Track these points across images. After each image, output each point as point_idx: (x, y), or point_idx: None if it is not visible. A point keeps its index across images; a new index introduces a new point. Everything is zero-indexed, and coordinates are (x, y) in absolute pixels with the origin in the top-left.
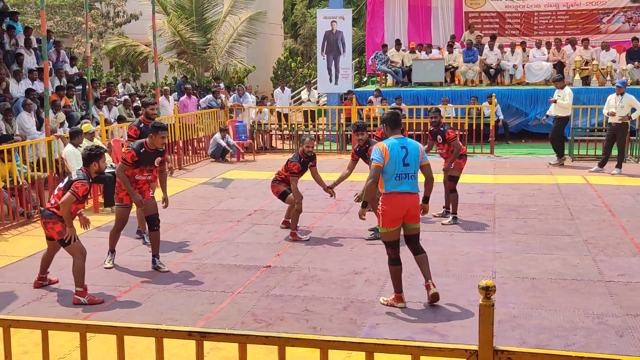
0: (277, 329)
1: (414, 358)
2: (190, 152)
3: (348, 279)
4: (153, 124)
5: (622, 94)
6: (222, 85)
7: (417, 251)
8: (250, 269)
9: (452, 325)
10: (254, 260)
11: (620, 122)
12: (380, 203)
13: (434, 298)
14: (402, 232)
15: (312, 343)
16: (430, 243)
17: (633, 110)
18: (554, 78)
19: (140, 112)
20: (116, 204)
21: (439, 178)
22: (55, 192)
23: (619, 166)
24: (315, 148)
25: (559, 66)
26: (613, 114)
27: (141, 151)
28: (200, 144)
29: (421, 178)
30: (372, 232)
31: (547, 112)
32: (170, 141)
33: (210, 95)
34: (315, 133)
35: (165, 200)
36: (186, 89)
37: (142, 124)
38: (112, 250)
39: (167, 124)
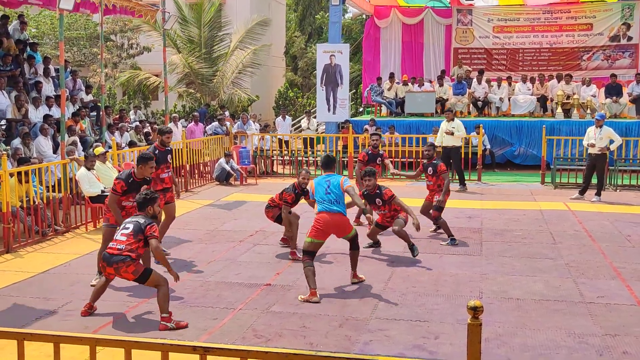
0: (276, 345)
1: None
2: (196, 175)
3: (343, 298)
4: (142, 154)
5: (601, 127)
6: (227, 113)
7: (353, 247)
8: (251, 287)
9: (441, 342)
10: (255, 278)
11: (599, 152)
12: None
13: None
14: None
15: (309, 359)
16: (422, 264)
17: (611, 141)
18: (446, 110)
19: (156, 138)
20: (103, 224)
21: (418, 202)
22: (122, 238)
23: (598, 194)
24: (313, 173)
25: (542, 100)
26: (593, 145)
27: (129, 181)
28: (206, 167)
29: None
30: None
31: (440, 143)
32: (177, 165)
33: (216, 123)
34: (314, 159)
35: None
36: (194, 116)
37: (157, 150)
38: (100, 272)
39: (172, 149)
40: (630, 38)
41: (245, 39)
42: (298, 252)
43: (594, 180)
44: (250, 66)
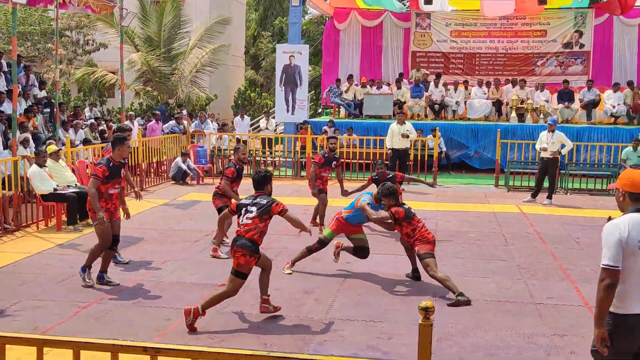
0: (230, 345)
1: None
2: (152, 174)
3: (298, 298)
4: (117, 136)
5: (553, 131)
6: (184, 112)
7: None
8: (206, 287)
9: (394, 343)
10: (210, 278)
11: (551, 156)
12: None
13: None
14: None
15: (261, 359)
16: (377, 266)
17: (563, 146)
18: (399, 113)
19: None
20: (94, 223)
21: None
22: (248, 221)
23: (549, 197)
24: (271, 173)
25: (497, 104)
26: (545, 149)
27: (110, 165)
28: (162, 166)
29: None
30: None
31: (391, 146)
32: (133, 163)
33: (173, 121)
34: (272, 159)
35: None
36: (154, 114)
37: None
38: (85, 268)
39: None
40: (582, 45)
41: (205, 38)
42: (220, 249)
43: (546, 184)
44: (209, 65)
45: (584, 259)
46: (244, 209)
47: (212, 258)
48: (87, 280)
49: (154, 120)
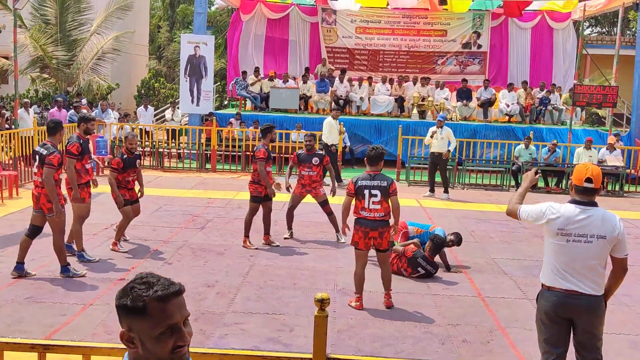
0: None
1: None
2: None
3: (200, 292)
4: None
5: (441, 127)
6: (84, 100)
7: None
8: (104, 282)
9: (295, 335)
10: (108, 272)
11: (440, 152)
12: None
13: None
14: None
15: None
16: (280, 259)
17: (449, 143)
18: (334, 109)
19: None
20: (50, 215)
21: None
22: (376, 206)
23: (446, 191)
24: (176, 165)
25: (400, 101)
26: (430, 141)
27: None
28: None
29: None
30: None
31: (331, 142)
32: (28, 153)
33: (72, 110)
34: (177, 151)
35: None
36: (57, 102)
37: (81, 140)
38: (68, 263)
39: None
40: (480, 46)
41: (106, 23)
42: (119, 243)
43: (438, 179)
44: (111, 52)
45: (477, 251)
46: (366, 191)
47: (111, 251)
48: (77, 272)
49: (55, 108)
